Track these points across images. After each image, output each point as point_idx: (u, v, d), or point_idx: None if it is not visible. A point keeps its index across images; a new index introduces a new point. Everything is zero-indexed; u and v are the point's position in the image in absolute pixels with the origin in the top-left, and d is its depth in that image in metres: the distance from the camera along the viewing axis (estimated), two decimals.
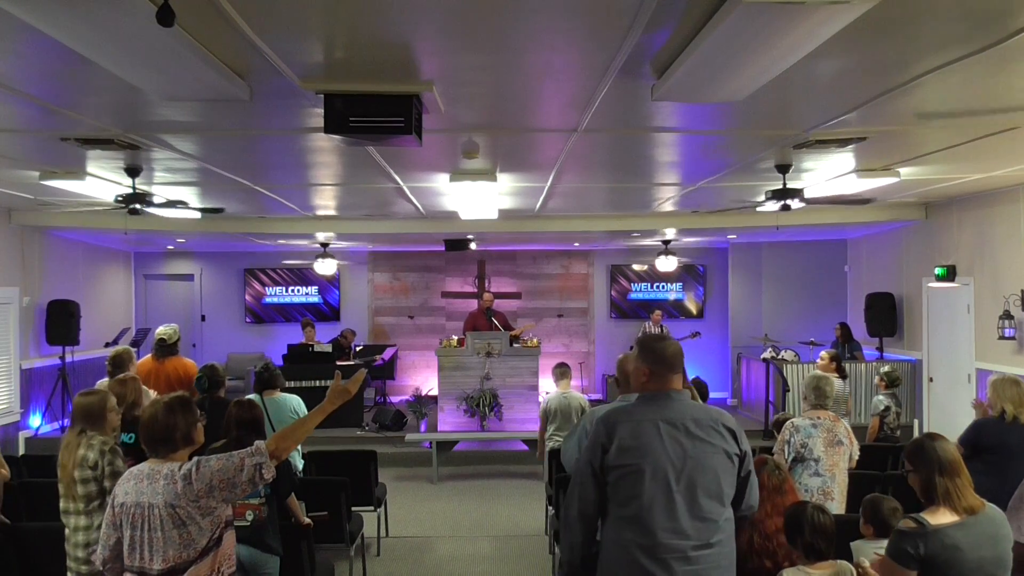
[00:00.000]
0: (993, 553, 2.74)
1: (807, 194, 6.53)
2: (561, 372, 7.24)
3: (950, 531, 2.73)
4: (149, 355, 6.41)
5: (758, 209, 6.70)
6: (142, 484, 2.81)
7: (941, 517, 2.78)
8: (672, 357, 2.91)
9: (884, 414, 6.88)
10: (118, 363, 5.62)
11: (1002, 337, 7.79)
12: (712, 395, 12.03)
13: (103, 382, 5.77)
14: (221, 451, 4.06)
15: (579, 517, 2.89)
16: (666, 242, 11.89)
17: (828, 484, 4.49)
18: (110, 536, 2.86)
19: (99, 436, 3.82)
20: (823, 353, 7.22)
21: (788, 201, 6.22)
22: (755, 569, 3.24)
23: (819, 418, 4.68)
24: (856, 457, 4.71)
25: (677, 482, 2.72)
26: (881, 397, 6.97)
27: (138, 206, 6.17)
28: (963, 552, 2.70)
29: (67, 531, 3.77)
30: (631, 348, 11.14)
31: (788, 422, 4.76)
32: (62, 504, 3.80)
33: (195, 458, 2.88)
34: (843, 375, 6.95)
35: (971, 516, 2.77)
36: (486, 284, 13.10)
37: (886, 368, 7.22)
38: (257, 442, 2.91)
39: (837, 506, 4.48)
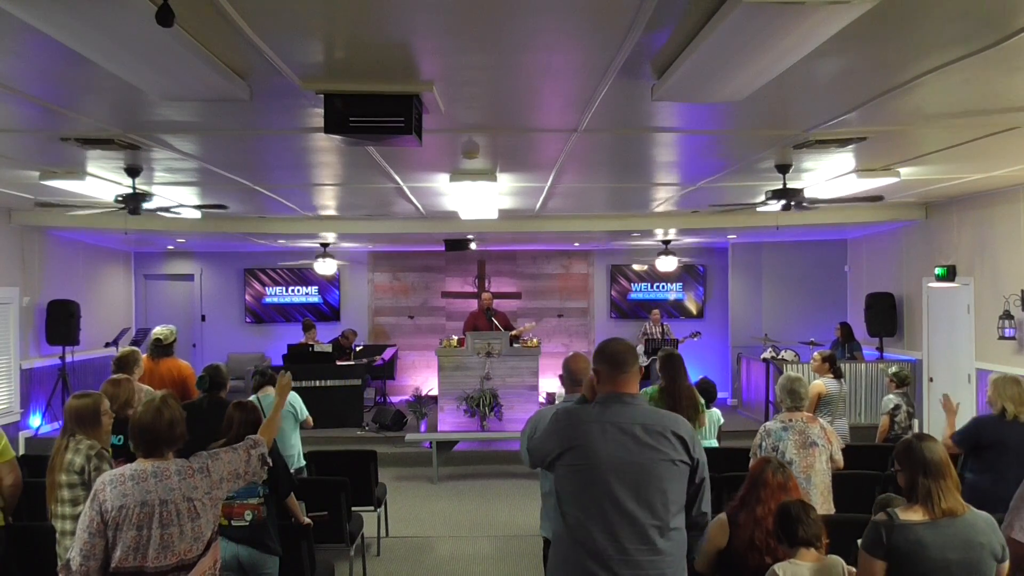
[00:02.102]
0: (961, 557, 2.78)
1: (807, 194, 6.53)
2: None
3: (917, 528, 2.79)
4: (144, 355, 6.42)
5: (758, 209, 6.69)
6: (146, 483, 2.81)
7: (912, 514, 2.85)
8: (616, 355, 2.88)
9: (894, 413, 6.87)
10: (123, 364, 5.60)
11: (1002, 337, 7.79)
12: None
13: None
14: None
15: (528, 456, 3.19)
16: (666, 242, 11.89)
17: (803, 486, 4.46)
18: (95, 545, 2.79)
19: (87, 440, 3.78)
20: (815, 354, 7.21)
21: (790, 202, 6.21)
22: (756, 566, 3.25)
23: (791, 420, 4.65)
24: (839, 457, 4.67)
25: (620, 486, 2.71)
26: (891, 396, 6.96)
27: (137, 206, 6.18)
28: (927, 550, 2.76)
29: (56, 534, 3.75)
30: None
31: (761, 427, 4.77)
32: (50, 507, 3.77)
33: (203, 452, 3.03)
34: (837, 375, 6.93)
35: (947, 518, 2.80)
36: (486, 284, 13.10)
37: (894, 368, 7.20)
38: (250, 436, 3.29)
39: (818, 508, 4.45)
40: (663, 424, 2.81)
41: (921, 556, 2.75)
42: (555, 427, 2.90)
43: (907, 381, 7.05)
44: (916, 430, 9.84)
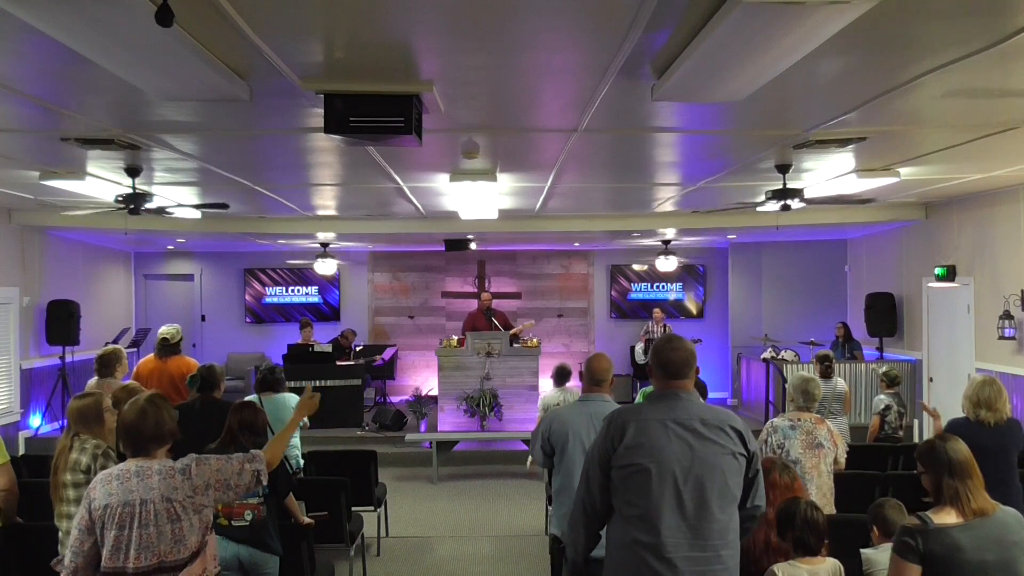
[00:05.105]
0: (998, 557, 2.73)
1: (807, 194, 6.53)
2: (561, 375, 7.38)
3: (952, 531, 2.74)
4: (152, 354, 6.46)
5: (758, 209, 6.70)
6: (130, 483, 2.81)
7: (945, 517, 2.78)
8: (673, 364, 2.88)
9: (884, 413, 6.88)
10: (105, 363, 5.64)
11: (1002, 337, 7.79)
12: (712, 395, 12.07)
13: (92, 382, 5.77)
14: (216, 452, 4.08)
15: (584, 515, 2.93)
16: (666, 242, 11.90)
17: (807, 487, 4.46)
18: (84, 542, 2.82)
19: (93, 440, 3.78)
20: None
21: (788, 201, 6.22)
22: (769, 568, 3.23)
23: (799, 420, 4.64)
24: (843, 460, 4.65)
25: (684, 482, 2.72)
26: (882, 396, 6.96)
27: (138, 206, 6.18)
28: (964, 553, 2.70)
29: (60, 534, 3.74)
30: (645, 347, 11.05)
31: (768, 422, 4.76)
32: (55, 507, 3.77)
33: (192, 455, 2.95)
34: (824, 375, 6.95)
35: (979, 518, 2.77)
36: (486, 284, 13.10)
37: (884, 368, 7.21)
38: (253, 450, 3.12)
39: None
40: (719, 418, 2.83)
41: (958, 560, 2.70)
42: (614, 426, 2.85)
43: (898, 381, 7.05)
44: (923, 429, 9.85)
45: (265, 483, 3.05)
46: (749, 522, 2.94)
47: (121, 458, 3.91)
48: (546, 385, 11.09)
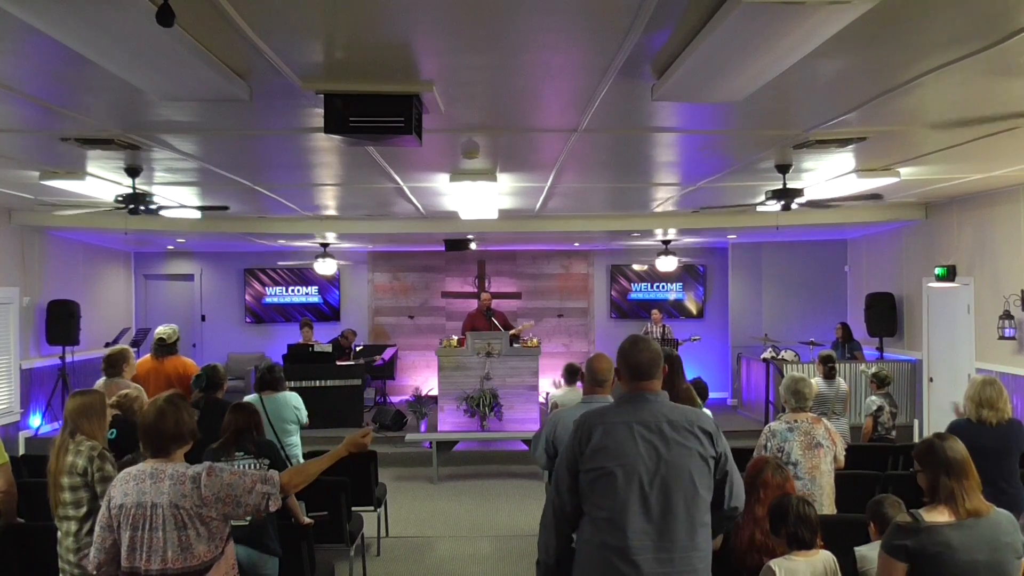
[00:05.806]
0: (988, 558, 2.75)
1: (808, 194, 6.53)
2: (570, 374, 7.42)
3: (944, 530, 2.76)
4: (148, 355, 6.44)
5: (758, 209, 6.70)
6: (144, 484, 2.80)
7: (938, 516, 2.80)
8: (642, 366, 2.85)
9: (877, 414, 6.89)
10: (113, 362, 5.63)
11: (1002, 337, 7.79)
12: (712, 395, 12.08)
13: (100, 382, 5.76)
14: (217, 452, 4.08)
15: (555, 518, 2.92)
16: (666, 242, 11.89)
17: (809, 487, 4.43)
18: (105, 539, 2.84)
19: (87, 442, 3.75)
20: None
21: (788, 200, 6.21)
22: (754, 566, 3.25)
23: (796, 421, 4.64)
24: (841, 457, 4.65)
25: (650, 484, 2.71)
26: (874, 398, 6.98)
27: (137, 206, 6.18)
28: (955, 552, 2.72)
29: (59, 534, 3.74)
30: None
31: (765, 427, 4.76)
32: (53, 508, 3.76)
33: (206, 463, 2.91)
34: (827, 376, 6.95)
35: (973, 518, 2.78)
36: (486, 284, 13.09)
37: (874, 369, 7.24)
38: (272, 472, 2.99)
39: (824, 508, 4.42)
40: (688, 419, 2.81)
41: (949, 558, 2.72)
42: (581, 430, 2.85)
43: (888, 381, 7.06)
44: (922, 429, 9.85)
45: (273, 509, 2.93)
46: (726, 522, 2.93)
47: (121, 459, 3.92)
48: (546, 385, 11.13)
